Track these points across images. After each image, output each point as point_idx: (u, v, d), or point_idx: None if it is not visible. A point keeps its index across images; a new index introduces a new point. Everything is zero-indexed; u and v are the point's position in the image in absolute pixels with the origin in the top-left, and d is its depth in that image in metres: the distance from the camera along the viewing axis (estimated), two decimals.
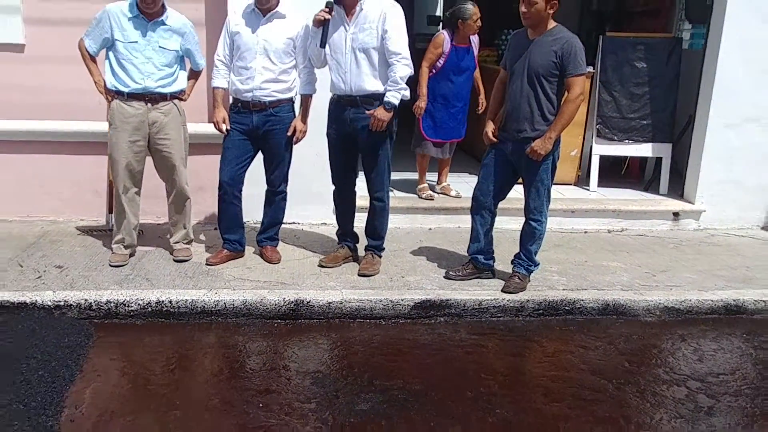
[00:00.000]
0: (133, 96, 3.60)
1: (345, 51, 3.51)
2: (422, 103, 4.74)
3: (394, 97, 3.47)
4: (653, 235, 5.10)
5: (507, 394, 2.94)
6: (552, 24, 3.37)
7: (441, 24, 4.76)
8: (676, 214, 5.21)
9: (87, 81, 3.76)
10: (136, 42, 3.56)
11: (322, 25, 3.50)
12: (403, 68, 3.45)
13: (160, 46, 3.61)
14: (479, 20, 4.78)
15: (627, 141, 5.56)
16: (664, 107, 5.47)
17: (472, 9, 4.71)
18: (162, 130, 3.71)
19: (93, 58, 3.69)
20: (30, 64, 4.48)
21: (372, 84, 3.49)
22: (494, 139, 3.64)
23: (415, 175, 5.30)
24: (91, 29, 3.62)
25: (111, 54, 3.61)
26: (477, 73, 5.09)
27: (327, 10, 3.46)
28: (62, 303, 3.36)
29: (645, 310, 3.74)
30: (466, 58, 4.88)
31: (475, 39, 4.96)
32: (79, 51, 3.65)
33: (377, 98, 3.51)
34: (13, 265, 3.73)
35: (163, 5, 3.56)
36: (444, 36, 4.79)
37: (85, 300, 3.38)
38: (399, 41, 3.43)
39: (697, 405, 2.86)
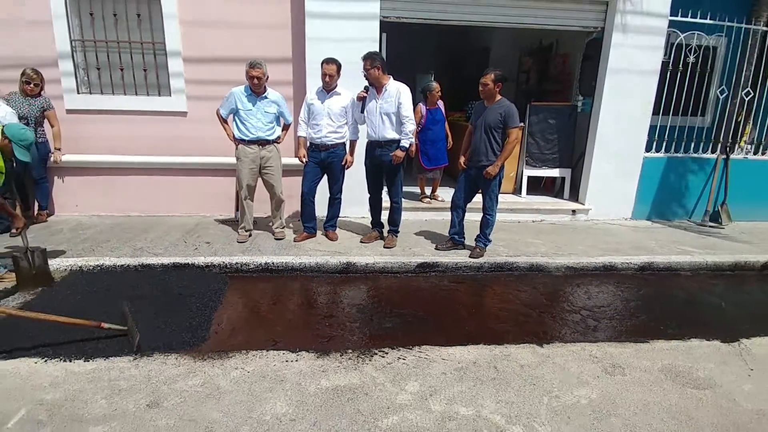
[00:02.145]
0: (251, 142, 4.67)
1: (376, 114, 4.56)
2: (413, 147, 5.40)
3: (406, 143, 4.57)
4: (560, 224, 6.20)
5: (472, 318, 3.61)
6: (499, 97, 4.42)
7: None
8: (573, 211, 6.36)
9: (222, 133, 4.84)
10: (251, 109, 4.62)
11: (362, 99, 4.63)
12: (411, 125, 4.56)
13: (265, 111, 4.67)
14: (439, 92, 6.10)
15: (544, 167, 6.75)
16: (566, 147, 6.63)
17: (434, 85, 6.11)
18: (268, 162, 4.77)
19: (225, 120, 4.77)
20: (190, 123, 5.64)
21: (391, 134, 4.57)
22: (464, 166, 4.68)
23: (418, 189, 6.56)
24: (223, 103, 4.70)
25: (236, 117, 4.68)
26: (446, 126, 6.30)
27: (365, 91, 4.59)
28: (210, 264, 4.34)
29: (555, 268, 4.68)
30: (437, 113, 6.16)
31: (440, 103, 6.21)
32: (216, 116, 4.78)
33: (395, 142, 4.59)
34: (181, 242, 4.87)
35: (265, 87, 4.62)
36: (420, 106, 6.05)
37: (223, 262, 4.36)
38: (408, 109, 4.51)
39: (587, 325, 3.58)
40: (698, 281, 4.72)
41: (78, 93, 5.61)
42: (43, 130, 5.39)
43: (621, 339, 3.41)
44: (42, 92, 5.32)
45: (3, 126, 3.72)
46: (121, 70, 5.62)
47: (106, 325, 3.05)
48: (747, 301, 4.34)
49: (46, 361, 2.87)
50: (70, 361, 2.87)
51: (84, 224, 5.49)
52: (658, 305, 4.09)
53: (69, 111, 5.60)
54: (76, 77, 5.56)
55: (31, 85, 5.17)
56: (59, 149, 5.47)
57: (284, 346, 3.12)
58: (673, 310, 4.01)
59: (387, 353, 3.09)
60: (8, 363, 2.84)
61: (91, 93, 5.68)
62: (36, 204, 5.61)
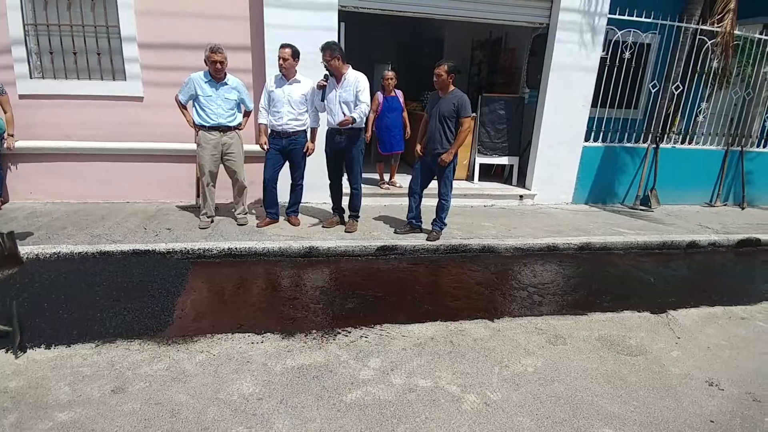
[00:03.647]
0: (211, 128, 4.52)
1: (335, 102, 4.51)
2: (368, 134, 5.71)
3: (356, 116, 4.41)
4: (509, 208, 6.32)
5: (429, 297, 3.68)
6: (452, 88, 4.45)
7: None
8: (521, 197, 6.51)
9: (181, 119, 4.65)
10: (211, 95, 4.47)
11: (323, 88, 4.53)
12: (366, 108, 4.47)
13: (225, 97, 4.52)
14: (394, 79, 6.02)
15: (494, 155, 6.86)
16: (514, 136, 6.79)
17: (387, 73, 6.06)
18: (229, 148, 4.64)
19: (184, 106, 4.60)
20: (147, 108, 5.39)
21: None
22: (420, 154, 4.71)
23: (377, 176, 6.56)
24: (182, 88, 4.52)
25: (196, 103, 4.50)
26: (405, 114, 6.26)
27: (324, 80, 4.49)
28: (171, 250, 4.20)
29: (504, 249, 4.80)
30: (394, 101, 6.12)
31: (399, 92, 6.16)
32: (175, 102, 4.59)
33: (354, 130, 4.55)
34: (141, 228, 4.69)
35: (225, 73, 4.48)
36: (378, 94, 6.04)
37: (185, 248, 4.23)
38: (365, 95, 4.47)
39: (533, 301, 3.73)
40: (630, 259, 4.95)
41: (31, 78, 5.25)
42: None
43: (563, 312, 3.56)
44: None
45: None
46: (74, 54, 5.29)
47: None
48: (673, 276, 4.60)
49: (7, 350, 2.71)
50: (32, 350, 2.73)
51: (39, 211, 5.18)
52: (595, 281, 4.28)
53: (22, 96, 5.24)
54: (29, 62, 5.19)
55: None
56: (12, 135, 5.13)
57: (249, 329, 3.08)
58: (608, 285, 4.21)
59: (350, 332, 3.11)
60: None
61: (44, 78, 5.33)
62: None
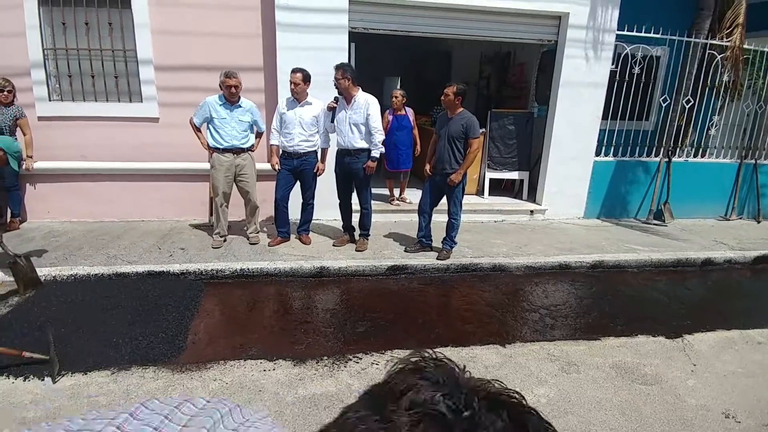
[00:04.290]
0: (225, 150, 4.56)
1: (345, 124, 4.55)
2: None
3: (376, 153, 4.56)
4: (519, 224, 6.26)
5: (440, 320, 3.65)
6: (460, 109, 4.44)
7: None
8: (531, 212, 6.45)
9: (195, 139, 4.69)
10: (225, 118, 4.52)
11: (332, 109, 4.60)
12: (380, 136, 4.56)
13: (239, 120, 4.56)
14: (402, 97, 6.03)
15: (504, 170, 6.83)
16: (524, 151, 6.76)
17: (396, 92, 6.08)
18: (243, 170, 4.68)
19: (198, 129, 4.64)
20: (163, 129, 5.47)
21: (360, 143, 4.56)
22: (430, 173, 4.72)
23: (387, 191, 6.58)
24: (197, 112, 4.57)
25: (210, 126, 4.55)
26: (415, 131, 6.28)
27: (335, 101, 4.57)
28: (185, 271, 4.22)
29: (516, 268, 4.74)
30: (404, 120, 6.13)
31: (409, 110, 6.18)
32: (190, 124, 4.65)
33: (363, 151, 4.58)
34: (155, 248, 4.72)
35: (239, 96, 4.52)
36: (387, 112, 6.03)
37: (199, 269, 4.25)
38: (376, 120, 4.52)
39: (545, 324, 3.66)
40: (644, 278, 4.87)
41: (50, 100, 5.35)
42: (16, 139, 5.12)
43: (576, 337, 3.51)
44: (14, 101, 5.07)
45: None
46: (92, 77, 5.39)
47: (27, 354, 2.80)
48: (688, 296, 4.52)
49: (25, 379, 2.74)
50: (49, 377, 2.75)
51: (56, 231, 5.25)
52: (608, 302, 4.21)
53: (41, 118, 5.34)
54: (47, 85, 5.30)
55: (5, 92, 4.95)
56: (31, 157, 5.22)
57: (261, 355, 3.08)
58: (621, 307, 4.14)
59: (361, 359, 3.09)
60: None
61: (62, 100, 5.43)
62: (8, 212, 5.34)
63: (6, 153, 3.62)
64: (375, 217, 5.32)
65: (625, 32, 5.99)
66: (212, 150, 4.64)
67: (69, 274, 4.15)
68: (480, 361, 3.12)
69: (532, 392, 2.79)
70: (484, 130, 5.96)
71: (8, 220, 5.35)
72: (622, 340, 3.50)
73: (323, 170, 4.88)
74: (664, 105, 6.68)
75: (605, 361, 3.18)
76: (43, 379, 2.75)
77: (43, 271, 4.11)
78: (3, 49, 5.10)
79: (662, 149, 6.73)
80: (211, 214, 4.82)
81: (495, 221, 6.36)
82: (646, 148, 6.75)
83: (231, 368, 2.93)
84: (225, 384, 2.77)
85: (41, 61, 5.21)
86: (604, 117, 6.28)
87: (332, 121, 4.65)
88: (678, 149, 6.87)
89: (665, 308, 4.17)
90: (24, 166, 5.19)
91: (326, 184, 5.11)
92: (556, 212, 6.52)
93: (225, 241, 4.95)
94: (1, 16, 5.03)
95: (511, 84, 8.19)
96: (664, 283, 4.75)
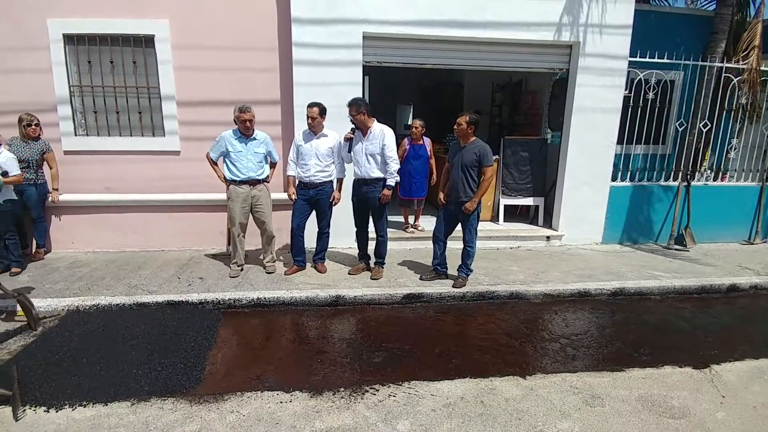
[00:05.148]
0: (242, 182, 4.66)
1: (362, 154, 4.61)
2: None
3: (392, 182, 4.61)
4: (536, 250, 6.18)
5: (457, 350, 3.57)
6: (473, 138, 4.47)
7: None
8: (548, 237, 6.38)
9: (212, 172, 4.82)
10: (241, 151, 4.62)
11: (349, 140, 4.67)
12: (395, 165, 4.59)
13: (254, 152, 4.66)
14: (421, 128, 6.09)
15: (519, 196, 6.81)
16: (538, 177, 6.75)
17: (415, 122, 6.14)
18: (259, 201, 4.76)
19: (215, 162, 4.76)
20: (183, 161, 5.63)
21: (376, 173, 4.61)
22: (444, 202, 4.71)
23: (402, 219, 6.54)
24: (213, 146, 4.69)
25: (227, 159, 4.65)
26: (432, 161, 6.31)
27: (351, 132, 4.64)
28: (203, 300, 4.26)
29: (534, 296, 4.65)
30: (421, 150, 6.18)
31: (427, 140, 6.23)
32: (206, 159, 4.77)
33: (380, 180, 4.62)
34: (175, 278, 4.79)
35: (253, 129, 4.63)
36: (405, 141, 6.14)
37: (216, 298, 4.28)
38: (392, 150, 4.56)
39: (566, 354, 3.54)
40: (667, 305, 4.74)
41: (75, 135, 5.56)
42: (42, 172, 5.31)
43: (599, 368, 3.39)
44: (41, 136, 5.26)
45: None
46: (117, 113, 5.59)
47: None
48: (714, 324, 4.37)
49: (47, 410, 2.77)
50: (72, 409, 2.79)
51: (80, 261, 5.37)
52: (631, 331, 4.09)
53: (66, 152, 5.54)
54: (73, 120, 5.51)
55: (32, 126, 5.14)
56: (57, 189, 5.39)
57: (278, 386, 3.06)
58: (645, 336, 4.01)
59: (378, 390, 3.05)
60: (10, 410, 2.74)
61: (88, 135, 5.63)
62: (33, 242, 5.49)
63: None
64: (390, 245, 5.29)
65: (638, 58, 6.01)
66: (229, 182, 4.73)
67: (91, 304, 4.21)
68: (500, 394, 3.04)
69: (555, 427, 2.71)
70: (497, 157, 5.98)
71: (33, 250, 5.49)
72: (648, 371, 3.38)
73: (339, 199, 4.93)
74: (680, 129, 6.63)
75: (631, 394, 3.07)
76: (73, 408, 2.79)
77: (66, 302, 4.21)
78: (30, 85, 5.34)
79: (680, 173, 6.64)
80: (228, 244, 4.89)
81: (510, 247, 6.30)
82: (663, 172, 6.68)
83: (248, 400, 2.92)
84: (242, 416, 2.75)
85: (67, 98, 5.44)
86: (620, 141, 6.26)
87: (349, 152, 4.72)
88: (697, 173, 6.77)
89: (691, 337, 4.03)
90: (50, 199, 5.38)
91: (341, 213, 5.15)
92: (574, 238, 6.44)
93: (242, 270, 4.99)
94: (29, 54, 5.27)
95: (524, 111, 8.24)
96: (688, 311, 4.61)
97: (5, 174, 4.56)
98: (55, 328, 3.84)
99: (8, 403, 2.79)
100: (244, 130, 4.61)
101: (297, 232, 4.88)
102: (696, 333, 4.12)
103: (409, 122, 7.34)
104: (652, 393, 3.09)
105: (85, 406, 2.80)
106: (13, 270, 4.90)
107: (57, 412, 2.76)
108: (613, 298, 4.85)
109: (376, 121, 4.67)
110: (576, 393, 3.07)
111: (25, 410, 2.76)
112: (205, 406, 2.84)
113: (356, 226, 5.03)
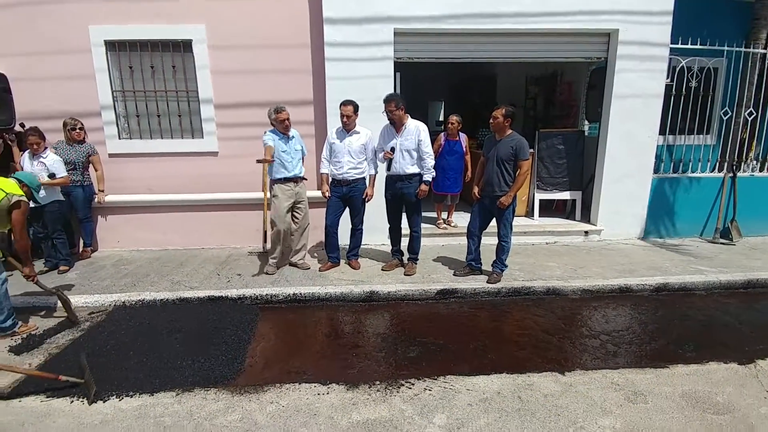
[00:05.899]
0: (287, 180, 4.73)
1: (397, 150, 4.64)
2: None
3: (429, 176, 4.62)
4: (573, 245, 6.04)
5: (493, 345, 3.55)
6: (509, 131, 4.43)
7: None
8: (586, 232, 6.24)
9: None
10: (286, 150, 4.70)
11: (389, 159, 4.63)
12: (431, 161, 4.59)
13: (295, 149, 4.77)
14: (457, 123, 6.05)
15: (554, 190, 6.65)
16: (575, 170, 6.58)
17: (451, 117, 6.10)
18: (300, 197, 4.86)
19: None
20: (221, 161, 5.80)
21: (411, 168, 4.63)
22: (478, 197, 4.68)
23: (433, 214, 6.57)
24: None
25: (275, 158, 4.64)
26: (467, 157, 6.25)
27: (390, 152, 4.61)
28: (242, 296, 4.38)
29: (572, 291, 4.57)
30: (456, 146, 6.14)
31: (463, 136, 6.18)
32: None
33: (414, 176, 4.64)
34: (214, 274, 4.93)
35: (290, 128, 4.71)
36: (441, 136, 6.14)
37: (254, 294, 4.39)
38: (427, 146, 4.57)
39: (607, 350, 3.47)
40: (712, 301, 4.57)
41: (119, 139, 5.79)
42: (88, 174, 5.57)
43: (641, 364, 3.30)
44: (85, 139, 5.51)
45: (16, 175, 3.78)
46: (158, 116, 5.79)
47: (63, 378, 2.95)
48: (760, 320, 4.17)
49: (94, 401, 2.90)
50: (119, 399, 2.91)
51: (125, 259, 5.60)
52: (675, 327, 3.96)
53: (111, 155, 5.78)
54: (117, 125, 5.75)
55: (77, 130, 5.37)
56: (102, 191, 5.64)
57: (315, 379, 3.12)
58: (690, 332, 3.88)
59: (413, 384, 3.06)
60: (59, 401, 2.89)
61: (131, 138, 5.86)
62: (81, 241, 5.77)
63: (29, 188, 3.75)
64: (423, 241, 5.30)
65: (679, 45, 5.79)
66: (274, 182, 4.78)
67: (137, 300, 4.39)
68: (538, 389, 3.00)
69: (596, 423, 2.65)
70: (532, 150, 5.83)
71: (80, 249, 5.77)
72: (692, 367, 3.27)
73: (372, 196, 4.94)
74: (725, 118, 6.34)
75: (674, 391, 2.98)
76: (120, 398, 2.93)
77: (113, 298, 4.40)
78: (75, 91, 5.58)
79: (725, 164, 6.36)
80: (265, 241, 4.99)
81: (547, 243, 6.18)
82: (708, 163, 6.40)
83: (287, 391, 2.98)
84: (281, 407, 2.82)
85: (111, 103, 5.67)
86: (662, 132, 6.04)
87: (388, 170, 4.74)
88: (742, 163, 6.47)
89: (736, 332, 3.87)
90: (96, 200, 5.63)
91: (374, 210, 5.17)
92: (613, 232, 6.25)
93: (278, 268, 5.08)
94: (72, 61, 5.51)
95: (560, 103, 8.06)
96: (734, 307, 4.42)
97: (52, 176, 4.82)
98: (103, 323, 4.02)
99: (83, 391, 2.93)
100: (284, 130, 4.68)
101: (331, 230, 4.93)
102: (741, 329, 3.95)
103: (441, 118, 7.33)
104: (696, 389, 2.99)
105: (131, 397, 2.92)
106: (62, 268, 5.15)
107: (104, 402, 2.88)
108: (656, 293, 4.70)
109: (410, 117, 4.68)
110: (617, 389, 2.99)
111: (72, 401, 2.90)
112: (245, 397, 2.92)
113: (389, 222, 5.05)
